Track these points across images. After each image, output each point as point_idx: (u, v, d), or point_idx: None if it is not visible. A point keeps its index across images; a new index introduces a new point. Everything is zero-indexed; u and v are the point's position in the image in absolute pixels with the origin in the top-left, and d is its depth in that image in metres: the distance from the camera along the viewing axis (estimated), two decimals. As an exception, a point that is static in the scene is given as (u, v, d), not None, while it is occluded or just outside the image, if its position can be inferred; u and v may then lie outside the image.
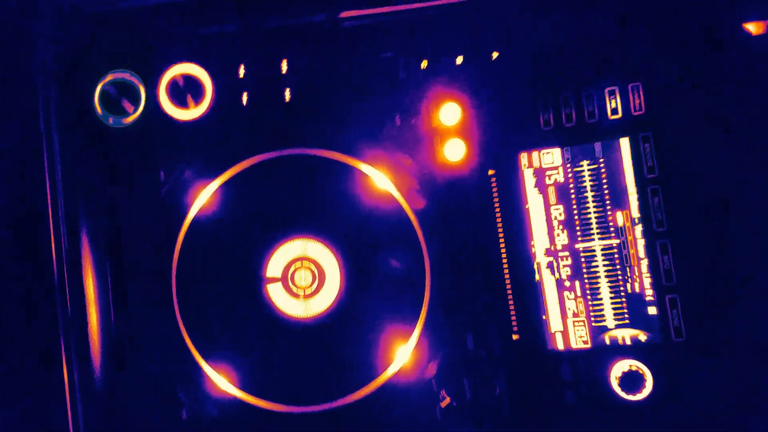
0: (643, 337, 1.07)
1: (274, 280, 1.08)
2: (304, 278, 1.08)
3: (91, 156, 1.13)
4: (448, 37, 1.09)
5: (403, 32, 1.10)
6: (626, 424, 1.04)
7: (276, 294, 1.10)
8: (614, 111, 1.08)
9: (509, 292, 1.11)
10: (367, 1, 1.09)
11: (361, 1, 1.09)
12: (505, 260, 1.11)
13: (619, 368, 1.07)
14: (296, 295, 1.09)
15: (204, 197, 1.10)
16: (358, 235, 1.07)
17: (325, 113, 1.11)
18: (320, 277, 1.08)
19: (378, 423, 1.07)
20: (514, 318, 1.11)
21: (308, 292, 1.09)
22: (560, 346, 1.11)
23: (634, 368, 1.06)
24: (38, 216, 1.11)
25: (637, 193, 1.07)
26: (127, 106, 1.11)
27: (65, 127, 1.11)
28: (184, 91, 1.10)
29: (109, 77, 1.10)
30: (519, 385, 1.09)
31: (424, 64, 1.11)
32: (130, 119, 1.11)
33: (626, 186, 1.08)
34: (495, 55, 1.09)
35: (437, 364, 1.09)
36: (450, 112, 1.12)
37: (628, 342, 1.08)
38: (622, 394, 1.06)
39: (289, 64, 1.11)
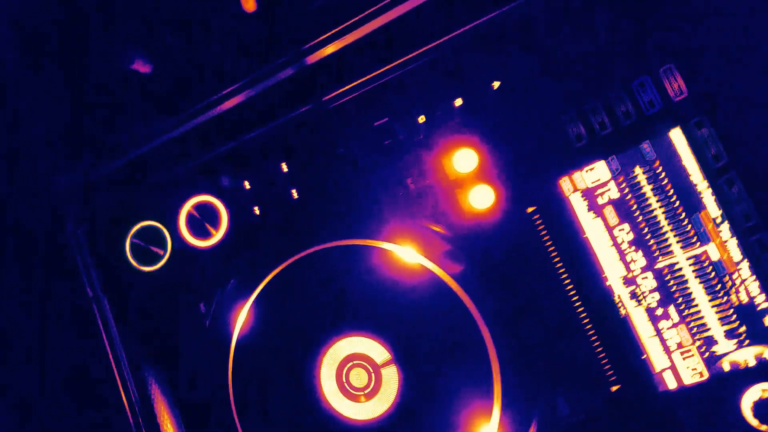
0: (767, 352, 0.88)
1: (330, 388, 1.00)
2: (359, 378, 0.99)
3: (137, 306, 1.14)
4: (439, 84, 0.98)
5: (391, 93, 1.01)
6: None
7: (336, 401, 1.01)
8: (651, 103, 0.92)
9: (593, 337, 0.96)
10: (345, 76, 1.01)
11: (339, 78, 1.01)
12: (578, 302, 0.96)
13: (750, 397, 0.88)
14: (356, 398, 1.00)
15: (243, 316, 1.05)
16: (402, 318, 0.97)
17: (335, 201, 1.03)
18: (376, 374, 0.98)
19: None
20: (608, 366, 0.95)
21: (367, 392, 0.99)
22: (671, 385, 0.93)
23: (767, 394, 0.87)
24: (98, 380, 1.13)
25: (710, 186, 0.90)
26: (157, 251, 1.11)
27: (109, 287, 1.13)
28: (202, 221, 1.09)
29: (133, 230, 1.11)
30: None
31: (421, 118, 1.00)
32: (162, 262, 1.11)
33: (694, 183, 0.90)
34: (496, 84, 0.96)
35: None
36: (464, 159, 1.00)
37: (752, 362, 0.89)
38: (762, 428, 0.87)
39: (288, 165, 1.05)
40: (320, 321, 1.00)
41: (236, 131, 1.07)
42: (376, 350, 0.98)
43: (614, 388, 0.94)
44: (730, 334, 0.90)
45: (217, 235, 1.09)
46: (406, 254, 0.97)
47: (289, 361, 1.01)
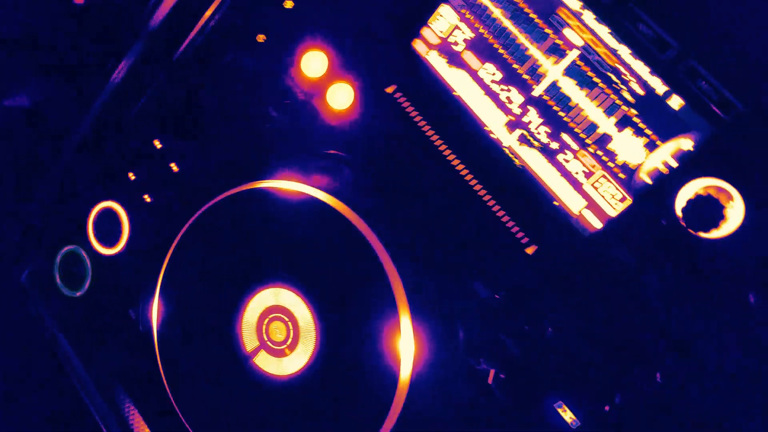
0: (687, 142, 0.69)
1: (254, 350, 0.91)
2: (279, 332, 0.89)
3: (86, 332, 1.12)
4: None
5: (224, 30, 0.94)
6: (718, 275, 0.66)
7: (262, 361, 0.92)
8: None
9: (494, 205, 0.81)
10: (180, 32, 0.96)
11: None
12: (468, 172, 0.83)
13: (682, 202, 0.70)
14: (281, 353, 0.90)
15: (156, 303, 0.99)
16: (305, 256, 0.86)
17: (211, 158, 0.96)
18: (293, 323, 0.88)
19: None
20: (517, 229, 0.80)
21: (289, 344, 0.89)
22: (597, 224, 0.76)
23: (702, 192, 0.68)
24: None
25: (558, -20, 0.74)
26: (80, 272, 1.09)
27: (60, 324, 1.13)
28: (109, 228, 1.06)
29: (56, 260, 1.10)
30: (575, 303, 0.76)
31: (261, 38, 0.92)
32: (89, 281, 1.08)
33: (539, -17, 0.76)
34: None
35: (462, 337, 0.80)
36: (312, 63, 0.90)
37: (673, 163, 0.71)
38: (705, 235, 0.68)
39: (160, 140, 1.00)
40: (229, 283, 0.92)
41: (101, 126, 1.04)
42: (288, 298, 0.88)
43: (529, 250, 0.78)
44: (638, 138, 0.73)
45: (124, 236, 1.05)
46: (287, 187, 0.87)
47: (211, 332, 0.94)
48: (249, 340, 0.91)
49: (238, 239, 0.90)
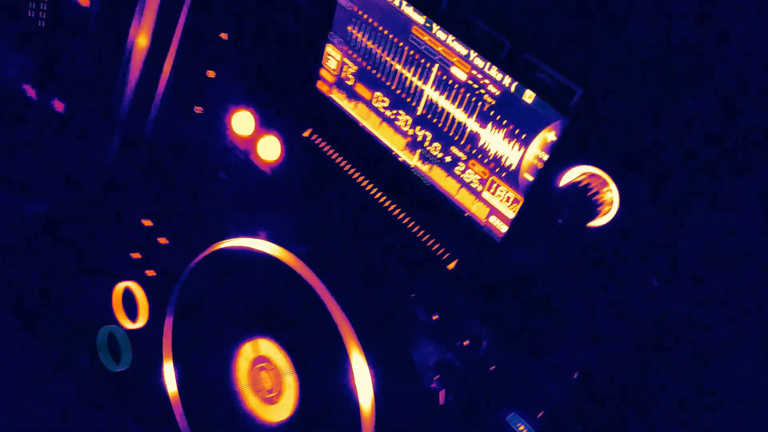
0: (551, 134, 0.66)
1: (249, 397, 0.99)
2: (267, 380, 0.96)
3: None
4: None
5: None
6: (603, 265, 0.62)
7: (255, 404, 0.99)
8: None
9: (411, 224, 0.82)
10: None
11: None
12: (383, 198, 0.85)
13: (562, 194, 0.67)
14: (273, 400, 0.97)
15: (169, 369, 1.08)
16: (273, 308, 0.92)
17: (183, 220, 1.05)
18: (275, 372, 0.94)
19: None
20: (436, 247, 0.81)
21: (277, 393, 0.95)
22: (503, 228, 0.75)
23: (581, 177, 0.65)
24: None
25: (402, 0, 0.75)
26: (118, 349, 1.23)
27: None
28: (131, 306, 1.18)
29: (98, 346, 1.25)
30: (498, 311, 0.75)
31: (198, 109, 1.00)
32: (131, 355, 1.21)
33: (391, 2, 0.76)
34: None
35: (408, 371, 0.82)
36: (242, 123, 0.97)
37: (545, 156, 0.68)
38: (595, 223, 0.65)
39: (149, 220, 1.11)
40: (219, 341, 1.00)
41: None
42: (268, 348, 0.95)
43: (451, 266, 0.79)
44: (511, 142, 0.71)
45: (143, 312, 1.17)
46: (240, 244, 0.93)
47: (217, 389, 1.03)
48: (246, 392, 0.99)
49: (214, 299, 0.98)
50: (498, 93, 0.69)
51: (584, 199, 0.62)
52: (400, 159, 0.82)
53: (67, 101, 1.19)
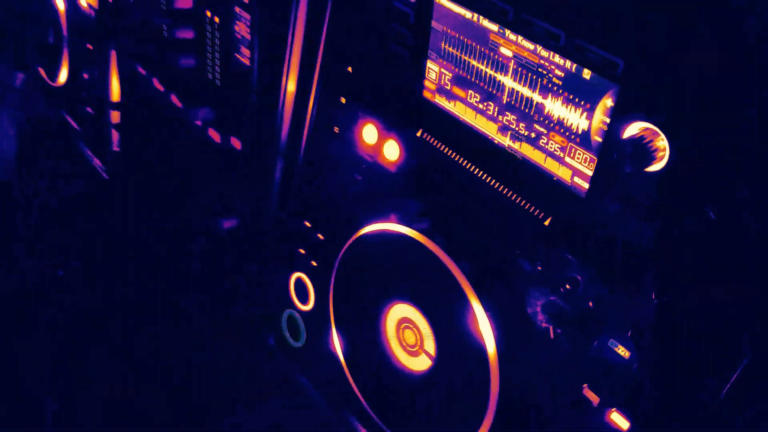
0: (608, 101, 0.81)
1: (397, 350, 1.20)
2: (411, 337, 1.17)
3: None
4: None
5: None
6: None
7: (403, 358, 1.20)
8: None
9: (511, 195, 1.00)
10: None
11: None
12: (487, 177, 1.03)
13: (625, 147, 0.81)
14: (416, 353, 1.17)
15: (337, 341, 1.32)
16: (410, 277, 1.12)
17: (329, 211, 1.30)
18: (419, 332, 1.14)
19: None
20: (533, 209, 0.97)
21: (419, 347, 1.16)
22: (584, 184, 0.90)
23: (638, 131, 0.79)
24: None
25: None
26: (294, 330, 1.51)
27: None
28: (302, 292, 1.46)
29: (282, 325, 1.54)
30: (591, 257, 0.90)
31: (335, 129, 1.26)
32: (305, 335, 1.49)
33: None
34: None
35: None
36: (368, 135, 1.20)
37: (607, 120, 0.83)
38: (650, 169, 0.79)
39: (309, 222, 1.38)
40: (371, 307, 1.23)
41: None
42: (409, 311, 1.16)
43: (547, 223, 0.95)
44: (580, 112, 0.86)
45: (311, 296, 1.45)
46: (377, 228, 1.15)
47: (372, 345, 1.26)
48: (395, 349, 1.21)
49: (362, 276, 1.22)
50: (563, 75, 0.85)
51: (640, 147, 0.76)
52: (495, 142, 1.00)
53: (242, 139, 1.52)
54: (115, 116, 2.04)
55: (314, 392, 1.50)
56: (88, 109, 2.18)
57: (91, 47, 2.02)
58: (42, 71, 2.35)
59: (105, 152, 2.16)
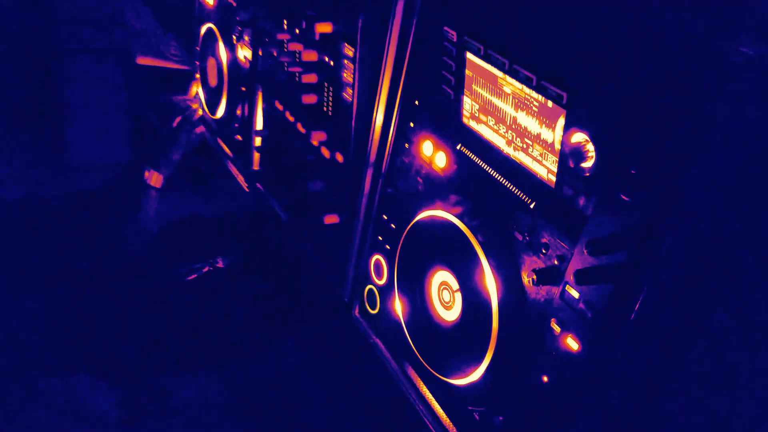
0: (561, 120, 1.25)
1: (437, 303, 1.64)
2: (446, 296, 1.61)
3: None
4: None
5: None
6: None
7: (441, 312, 1.64)
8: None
9: (511, 187, 1.44)
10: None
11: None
12: (499, 176, 1.48)
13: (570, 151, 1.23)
14: (448, 308, 1.61)
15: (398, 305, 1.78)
16: (450, 251, 1.57)
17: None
18: (452, 293, 1.58)
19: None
20: (523, 196, 1.41)
21: (453, 304, 1.59)
22: (553, 179, 1.33)
23: (578, 140, 1.22)
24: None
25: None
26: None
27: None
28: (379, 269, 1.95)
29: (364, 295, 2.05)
30: (563, 230, 1.32)
31: (406, 144, 1.76)
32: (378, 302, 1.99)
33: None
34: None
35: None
36: (425, 149, 1.69)
37: (561, 132, 1.26)
38: (587, 164, 1.20)
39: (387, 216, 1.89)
40: (420, 272, 1.70)
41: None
42: (447, 276, 1.61)
43: (532, 206, 1.38)
44: (550, 130, 1.30)
45: (386, 273, 1.93)
46: (433, 214, 1.62)
47: (421, 304, 1.71)
48: (435, 305, 1.66)
49: (417, 252, 1.69)
50: (537, 104, 1.30)
51: (578, 150, 1.19)
52: (503, 151, 1.45)
53: (344, 155, 2.06)
54: (257, 141, 2.69)
55: (384, 348, 1.97)
56: (238, 137, 2.85)
57: (244, 89, 2.69)
58: (205, 107, 3.08)
59: (248, 171, 2.81)
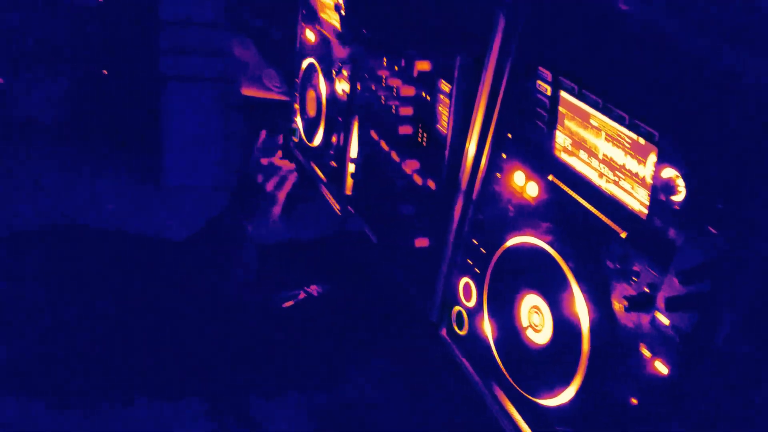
0: (653, 156, 1.33)
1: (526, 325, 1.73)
2: (536, 318, 1.70)
3: None
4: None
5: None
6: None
7: (530, 334, 1.72)
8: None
9: (604, 218, 1.52)
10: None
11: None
12: (587, 204, 1.57)
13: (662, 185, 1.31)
14: (538, 331, 1.70)
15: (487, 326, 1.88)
16: (544, 279, 1.67)
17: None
18: (543, 314, 1.67)
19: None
20: (614, 225, 1.49)
21: (542, 326, 1.68)
22: (645, 210, 1.41)
23: (671, 175, 1.30)
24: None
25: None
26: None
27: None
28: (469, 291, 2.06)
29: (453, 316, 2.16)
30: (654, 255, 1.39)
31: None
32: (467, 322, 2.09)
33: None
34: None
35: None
36: (517, 178, 1.80)
37: (652, 170, 1.34)
38: (674, 198, 1.29)
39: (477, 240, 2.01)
40: (509, 295, 1.80)
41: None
42: (537, 300, 1.71)
43: (623, 235, 1.47)
44: (641, 164, 1.39)
45: (474, 293, 2.04)
46: (519, 240, 1.73)
47: (512, 329, 1.81)
48: (525, 328, 1.75)
49: (509, 273, 1.79)
50: (629, 140, 1.39)
51: (668, 185, 1.27)
52: (594, 184, 1.54)
53: (436, 182, 2.20)
54: (351, 168, 2.87)
55: (471, 368, 2.07)
56: (332, 163, 3.04)
57: (340, 119, 2.88)
58: (303, 136, 3.30)
59: (340, 195, 2.99)
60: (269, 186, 2.25)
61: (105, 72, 3.68)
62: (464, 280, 2.06)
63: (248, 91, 3.44)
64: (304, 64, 3.14)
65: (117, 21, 3.60)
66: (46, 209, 2.93)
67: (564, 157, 1.64)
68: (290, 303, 2.98)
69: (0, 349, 2.02)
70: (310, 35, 3.11)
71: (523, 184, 1.78)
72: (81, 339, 2.21)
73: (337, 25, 2.83)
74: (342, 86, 2.85)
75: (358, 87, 2.68)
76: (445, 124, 2.10)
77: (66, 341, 2.17)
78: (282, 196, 2.43)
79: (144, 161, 3.55)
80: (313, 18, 3.07)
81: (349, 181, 2.93)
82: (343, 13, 2.73)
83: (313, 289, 3.06)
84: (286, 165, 3.02)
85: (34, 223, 2.85)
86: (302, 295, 3.04)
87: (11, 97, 3.54)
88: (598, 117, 1.48)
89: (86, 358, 2.13)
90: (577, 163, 1.60)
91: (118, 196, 3.21)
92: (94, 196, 3.22)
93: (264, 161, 2.40)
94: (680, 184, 1.27)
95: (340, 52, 2.81)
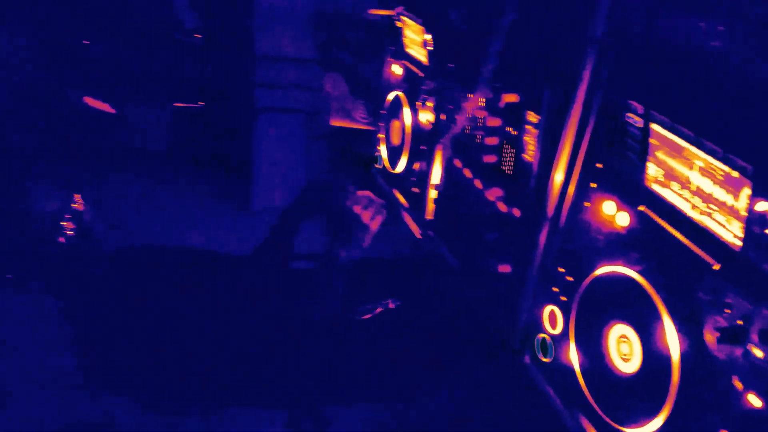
0: (748, 189, 1.35)
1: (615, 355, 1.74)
2: (624, 347, 1.71)
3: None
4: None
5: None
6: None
7: (619, 363, 1.74)
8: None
9: (697, 250, 1.54)
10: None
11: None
12: (674, 231, 1.59)
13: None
14: (627, 360, 1.71)
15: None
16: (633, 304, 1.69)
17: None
18: (632, 343, 1.69)
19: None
20: (707, 256, 1.50)
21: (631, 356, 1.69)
22: (739, 243, 1.42)
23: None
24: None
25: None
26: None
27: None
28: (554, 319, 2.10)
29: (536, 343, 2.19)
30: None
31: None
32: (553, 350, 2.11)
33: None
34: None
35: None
36: (607, 208, 1.84)
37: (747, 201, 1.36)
38: None
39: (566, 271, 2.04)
40: (600, 324, 1.82)
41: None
42: (627, 330, 1.73)
43: (716, 267, 1.48)
44: (733, 195, 1.40)
45: (560, 322, 2.07)
46: (609, 270, 1.76)
47: (600, 355, 1.83)
48: (613, 356, 1.77)
49: (598, 303, 1.82)
50: (723, 173, 1.41)
51: (763, 218, 1.29)
52: (686, 214, 1.56)
53: (521, 210, 2.25)
54: (433, 194, 2.95)
55: (554, 395, 2.09)
56: (414, 189, 3.14)
57: (424, 147, 2.98)
58: (386, 162, 3.43)
59: (421, 220, 3.08)
60: (365, 217, 2.37)
61: (201, 104, 3.95)
62: (549, 307, 2.09)
63: (337, 122, 3.61)
64: (390, 96, 3.28)
65: (215, 56, 3.86)
66: (149, 225, 3.17)
67: (655, 188, 1.67)
68: (368, 316, 3.07)
69: (114, 355, 2.19)
70: (397, 70, 3.26)
71: (614, 214, 1.81)
72: (172, 350, 2.37)
73: (424, 59, 2.96)
74: (426, 116, 2.96)
75: (443, 117, 2.77)
76: (531, 153, 2.16)
77: (160, 351, 2.32)
78: (375, 227, 2.55)
79: (235, 186, 3.76)
80: (400, 54, 3.23)
81: (431, 206, 3.02)
82: (430, 48, 2.86)
83: (390, 302, 3.14)
84: (379, 200, 3.16)
85: (140, 239, 3.12)
86: (380, 309, 3.12)
87: (120, 126, 3.86)
88: (690, 150, 1.51)
89: (180, 368, 2.27)
90: (669, 194, 1.62)
91: (211, 216, 3.45)
92: (189, 218, 3.44)
93: (361, 193, 2.54)
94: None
95: (425, 84, 2.93)
